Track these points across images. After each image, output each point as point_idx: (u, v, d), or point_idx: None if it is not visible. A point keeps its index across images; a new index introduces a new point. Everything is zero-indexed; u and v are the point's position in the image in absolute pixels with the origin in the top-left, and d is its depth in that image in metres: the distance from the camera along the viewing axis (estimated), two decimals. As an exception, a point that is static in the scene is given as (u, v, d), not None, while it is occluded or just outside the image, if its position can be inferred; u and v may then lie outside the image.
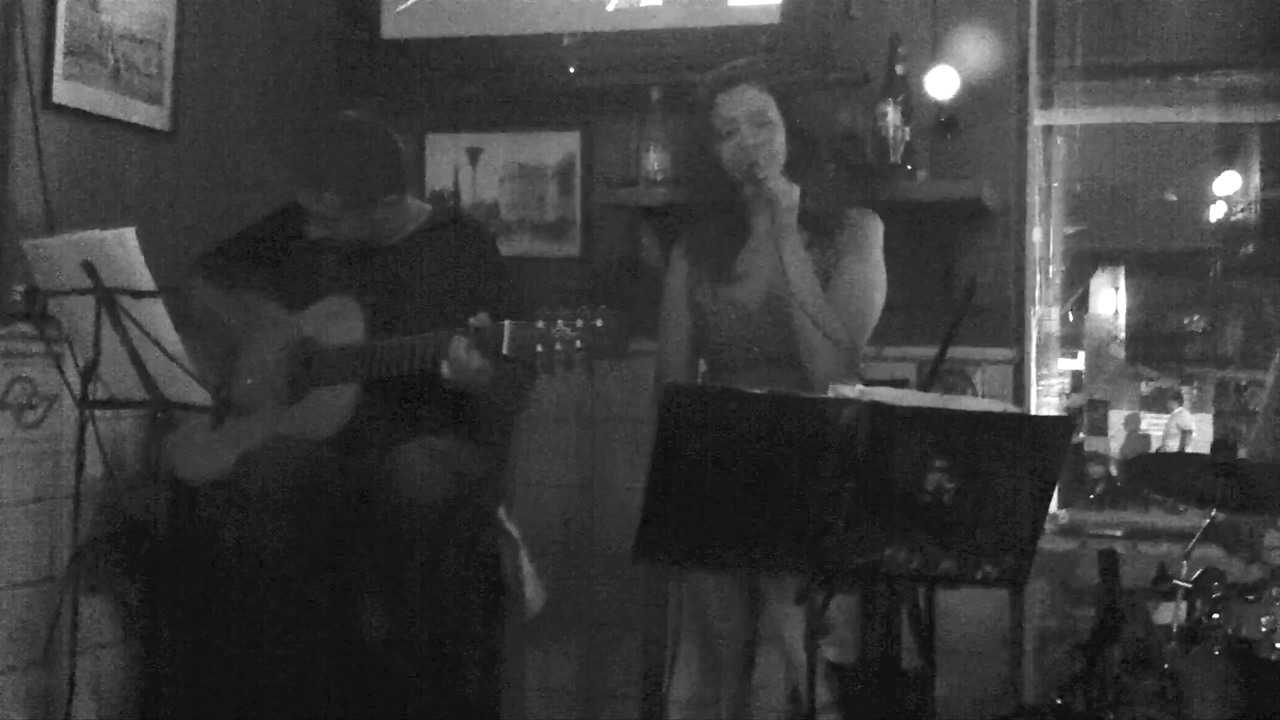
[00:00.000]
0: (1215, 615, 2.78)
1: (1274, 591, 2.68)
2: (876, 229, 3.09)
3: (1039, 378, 5.17)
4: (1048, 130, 5.22)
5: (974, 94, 3.69)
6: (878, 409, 2.25)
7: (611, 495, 3.82)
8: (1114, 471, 7.07)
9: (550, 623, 3.41)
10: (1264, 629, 2.65)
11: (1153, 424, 7.70)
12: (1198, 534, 2.97)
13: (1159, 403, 7.93)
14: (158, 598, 3.25)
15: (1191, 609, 2.81)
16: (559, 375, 2.70)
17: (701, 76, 3.12)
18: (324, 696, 3.00)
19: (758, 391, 2.44)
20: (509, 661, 3.57)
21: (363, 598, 3.09)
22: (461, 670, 3.07)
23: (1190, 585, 2.81)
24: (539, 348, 2.63)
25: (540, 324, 2.64)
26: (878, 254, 3.08)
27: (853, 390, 2.29)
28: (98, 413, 2.94)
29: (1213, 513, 2.95)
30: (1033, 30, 3.92)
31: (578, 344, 2.62)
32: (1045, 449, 2.33)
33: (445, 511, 2.90)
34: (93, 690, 3.29)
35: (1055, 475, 2.38)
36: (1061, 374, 6.76)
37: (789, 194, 2.95)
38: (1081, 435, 7.46)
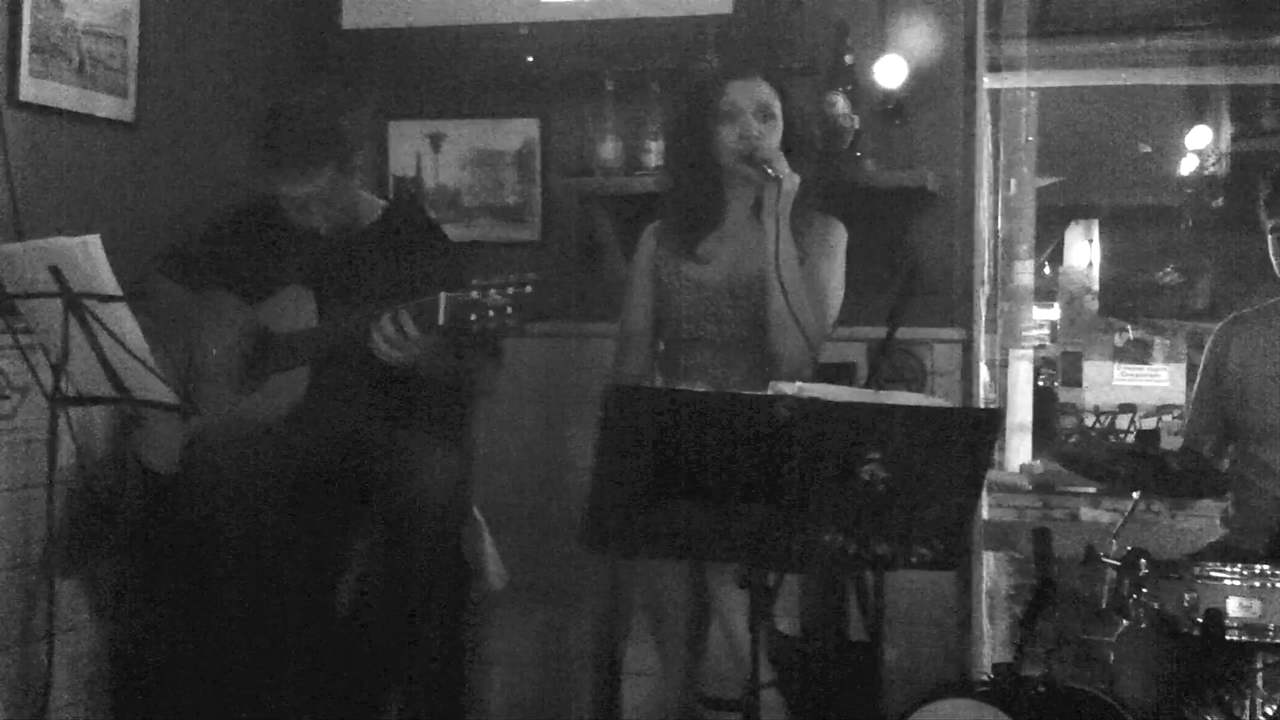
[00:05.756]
0: (1143, 590, 2.89)
1: (1195, 570, 2.78)
2: (842, 236, 3.19)
3: (1021, 329, 5.27)
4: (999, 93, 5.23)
5: (922, 78, 3.75)
6: (813, 405, 2.34)
7: (570, 474, 3.90)
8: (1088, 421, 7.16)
9: (510, 594, 3.52)
10: (1185, 605, 2.76)
11: (1126, 374, 7.78)
12: (1124, 517, 3.10)
13: (1132, 354, 8.02)
14: (128, 580, 3.35)
15: (1119, 586, 2.92)
16: (495, 340, 2.91)
17: (708, 63, 3.14)
18: (293, 672, 3.13)
19: (698, 390, 2.53)
20: (475, 630, 3.68)
21: (338, 580, 3.22)
22: (428, 643, 3.19)
23: (1118, 564, 2.92)
24: (473, 316, 2.75)
25: (474, 294, 2.76)
26: (841, 259, 3.17)
27: (791, 387, 2.39)
28: (69, 403, 3.02)
29: (1135, 496, 3.08)
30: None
31: (509, 310, 2.74)
32: (975, 440, 2.42)
33: (445, 513, 3.06)
34: (69, 670, 3.38)
35: (985, 464, 2.48)
36: (1040, 324, 6.85)
37: (791, 179, 3.01)
38: (1056, 385, 7.58)
